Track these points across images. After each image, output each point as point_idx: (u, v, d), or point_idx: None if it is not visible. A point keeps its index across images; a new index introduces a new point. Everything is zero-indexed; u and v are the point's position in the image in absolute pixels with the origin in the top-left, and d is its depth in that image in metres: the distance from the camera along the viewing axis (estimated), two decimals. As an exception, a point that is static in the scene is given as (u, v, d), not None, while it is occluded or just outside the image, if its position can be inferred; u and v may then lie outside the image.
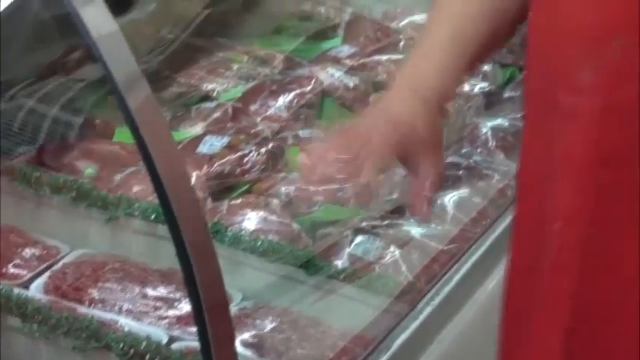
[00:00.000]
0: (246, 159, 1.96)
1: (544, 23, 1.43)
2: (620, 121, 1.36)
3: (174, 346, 1.54)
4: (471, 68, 1.54)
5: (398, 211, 1.92)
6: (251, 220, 1.80)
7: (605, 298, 1.46)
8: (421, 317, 1.74)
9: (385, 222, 1.88)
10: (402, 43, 2.45)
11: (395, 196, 1.95)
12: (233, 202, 1.86)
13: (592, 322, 1.47)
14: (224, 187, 1.90)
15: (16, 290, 1.60)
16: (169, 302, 1.58)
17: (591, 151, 1.38)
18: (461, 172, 2.08)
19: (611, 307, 1.47)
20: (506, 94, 2.43)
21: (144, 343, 1.53)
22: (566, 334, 1.46)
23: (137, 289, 1.61)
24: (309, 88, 2.21)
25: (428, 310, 1.75)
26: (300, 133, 2.10)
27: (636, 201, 1.37)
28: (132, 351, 1.53)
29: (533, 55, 1.47)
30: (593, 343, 1.47)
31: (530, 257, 1.52)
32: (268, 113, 2.14)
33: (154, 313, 1.59)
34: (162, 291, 1.60)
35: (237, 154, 1.96)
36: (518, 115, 2.30)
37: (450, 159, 2.08)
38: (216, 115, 2.10)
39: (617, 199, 1.39)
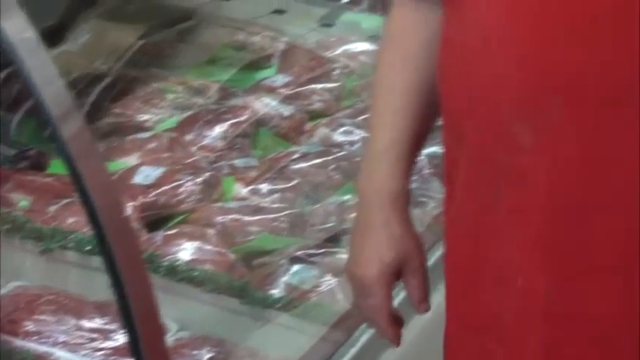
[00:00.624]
0: (181, 189, 1.96)
1: (470, 79, 1.41)
2: (568, 176, 1.39)
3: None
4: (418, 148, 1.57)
5: (333, 240, 1.93)
6: (187, 250, 1.80)
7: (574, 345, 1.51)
8: (358, 345, 1.75)
9: (321, 250, 1.89)
10: (336, 72, 2.47)
11: (330, 224, 1.97)
12: (168, 232, 1.86)
13: None
14: (159, 217, 1.90)
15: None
16: (105, 334, 1.57)
17: (544, 206, 1.40)
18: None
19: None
20: (440, 122, 2.45)
21: (80, 376, 1.54)
22: None
23: (73, 321, 1.60)
24: (244, 117, 2.23)
25: (365, 337, 1.76)
26: (236, 162, 2.11)
27: (596, 248, 1.38)
28: (68, 383, 1.53)
29: (459, 116, 1.48)
30: None
31: (475, 315, 1.54)
32: (203, 143, 2.15)
33: (90, 344, 1.58)
34: (98, 323, 1.59)
35: (172, 184, 1.96)
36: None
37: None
38: (152, 145, 2.10)
39: (575, 248, 1.41)
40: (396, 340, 1.56)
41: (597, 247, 1.40)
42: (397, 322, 1.53)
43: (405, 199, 1.52)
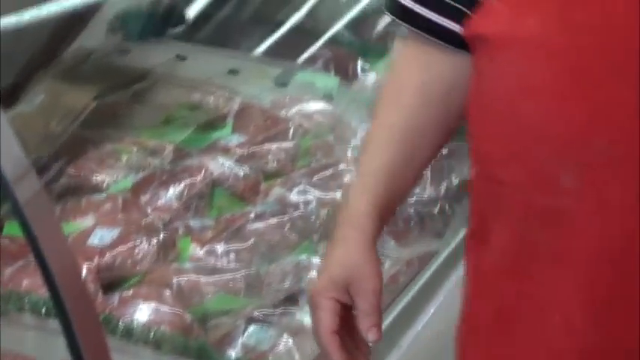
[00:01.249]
0: (137, 250, 1.96)
1: (510, 126, 1.44)
2: (613, 221, 1.40)
3: None
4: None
5: (290, 299, 1.94)
6: (143, 312, 1.79)
7: None
8: None
9: (278, 310, 1.89)
10: (291, 131, 2.48)
11: (287, 284, 1.98)
12: (125, 293, 1.85)
13: None
14: (116, 278, 1.89)
15: None
16: None
17: (588, 250, 1.41)
18: (352, 259, 2.11)
19: None
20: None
21: None
22: None
23: None
24: (199, 177, 2.23)
25: None
26: (191, 222, 2.12)
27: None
28: None
29: (498, 162, 1.50)
30: None
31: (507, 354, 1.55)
32: (159, 204, 2.15)
33: None
34: None
35: (128, 246, 1.96)
36: (409, 201, 2.36)
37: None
38: (106, 206, 2.09)
39: (620, 295, 1.42)
40: None
41: None
42: (351, 348, 1.47)
43: (372, 224, 1.51)
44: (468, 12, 1.53)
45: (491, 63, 1.49)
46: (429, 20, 1.60)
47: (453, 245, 2.30)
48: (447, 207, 2.42)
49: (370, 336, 1.42)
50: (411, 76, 1.65)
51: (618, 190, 1.39)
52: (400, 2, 1.61)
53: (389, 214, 1.57)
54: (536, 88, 1.42)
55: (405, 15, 1.62)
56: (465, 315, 1.64)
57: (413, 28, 1.61)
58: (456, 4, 1.56)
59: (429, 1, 1.59)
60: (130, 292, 1.86)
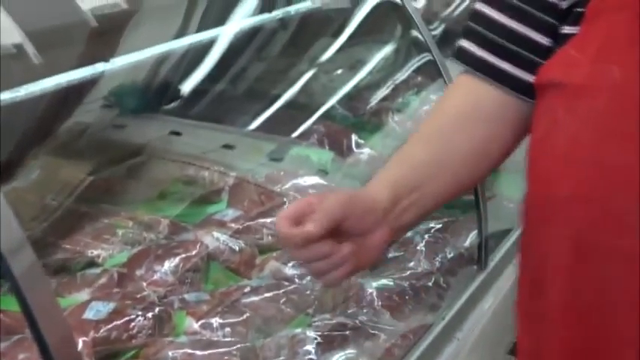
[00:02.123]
0: (132, 324, 1.95)
1: (583, 166, 1.48)
2: None
3: None
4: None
5: None
6: None
7: None
8: None
9: None
10: (286, 206, 2.47)
11: (282, 358, 1.98)
12: None
13: None
14: (111, 352, 1.89)
15: None
16: None
17: None
18: (348, 332, 2.11)
19: None
20: (390, 254, 2.50)
21: None
22: None
23: None
24: (194, 252, 2.23)
25: None
26: (187, 296, 2.12)
27: None
28: None
29: (564, 205, 1.52)
30: None
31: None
32: (154, 278, 2.15)
33: None
34: None
35: (123, 320, 1.95)
36: (404, 275, 2.38)
37: (336, 319, 2.13)
38: (102, 280, 2.10)
39: None
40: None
41: None
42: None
43: (378, 190, 1.55)
44: (532, 58, 1.60)
45: (571, 111, 1.51)
46: (491, 64, 1.66)
47: (447, 318, 2.31)
48: (441, 280, 2.43)
49: (307, 227, 1.41)
50: (459, 97, 1.72)
51: None
52: (468, 49, 1.69)
53: (406, 201, 1.58)
54: (623, 135, 1.45)
55: (465, 58, 1.71)
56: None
57: (471, 70, 1.68)
58: (520, 50, 1.63)
59: (492, 44, 1.66)
60: (127, 363, 1.85)
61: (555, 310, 1.59)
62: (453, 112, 1.69)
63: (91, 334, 1.90)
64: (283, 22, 2.89)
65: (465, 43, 1.69)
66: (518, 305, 1.67)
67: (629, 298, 1.48)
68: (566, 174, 1.52)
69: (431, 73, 2.90)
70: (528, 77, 1.62)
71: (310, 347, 2.02)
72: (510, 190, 1.58)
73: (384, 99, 3.18)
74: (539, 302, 1.62)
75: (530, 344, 1.67)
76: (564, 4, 1.58)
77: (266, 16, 2.74)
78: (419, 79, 3.18)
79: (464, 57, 1.70)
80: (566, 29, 1.58)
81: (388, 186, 1.57)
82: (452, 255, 2.54)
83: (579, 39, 1.53)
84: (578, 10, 1.55)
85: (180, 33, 2.69)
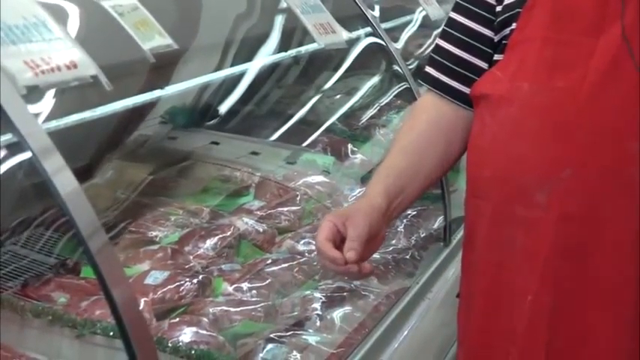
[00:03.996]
0: (182, 288, 1.94)
1: (501, 157, 1.52)
2: (571, 226, 1.44)
3: None
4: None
5: (298, 325, 1.93)
6: (186, 334, 1.77)
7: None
8: None
9: (289, 333, 1.88)
10: (298, 198, 2.49)
11: (295, 313, 1.97)
12: (172, 320, 1.83)
13: None
14: (166, 309, 1.88)
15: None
16: None
17: (550, 247, 1.46)
18: (345, 294, 2.10)
19: None
20: None
21: None
22: None
23: None
24: (229, 233, 2.22)
25: None
26: (223, 267, 2.10)
27: (589, 280, 1.46)
28: None
29: (487, 184, 1.55)
30: None
31: (496, 328, 1.59)
32: (198, 252, 2.14)
33: None
34: None
35: (175, 284, 1.94)
36: (387, 250, 2.37)
37: (336, 284, 2.12)
38: (159, 255, 2.08)
39: (575, 283, 1.47)
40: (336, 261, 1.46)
41: (591, 279, 1.47)
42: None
43: (379, 199, 1.55)
44: (475, 78, 1.60)
45: (493, 116, 1.54)
46: (445, 83, 1.67)
47: (420, 283, 2.30)
48: (416, 254, 2.43)
49: (348, 255, 1.42)
50: (425, 113, 1.71)
51: (575, 204, 1.43)
52: (430, 73, 1.70)
53: (396, 203, 1.58)
54: (527, 134, 1.48)
55: (427, 80, 1.71)
56: (462, 295, 1.69)
57: (434, 89, 1.69)
58: (466, 73, 1.63)
59: (449, 69, 1.66)
60: (177, 319, 1.84)
61: (480, 262, 1.61)
62: (423, 127, 1.69)
63: (150, 295, 1.89)
64: (296, 59, 2.88)
65: (428, 69, 1.71)
66: (462, 261, 1.69)
67: (527, 255, 1.51)
68: (489, 162, 1.54)
69: (408, 97, 2.88)
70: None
71: (317, 305, 2.01)
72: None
73: (372, 117, 3.18)
74: (472, 255, 1.66)
75: (466, 288, 1.70)
76: (496, 38, 1.60)
77: (283, 54, 2.73)
78: (398, 102, 3.17)
79: (427, 79, 1.72)
80: (497, 56, 1.60)
81: (382, 194, 1.56)
82: (424, 235, 2.53)
83: (502, 63, 1.57)
84: (505, 42, 1.55)
85: (218, 67, 2.69)
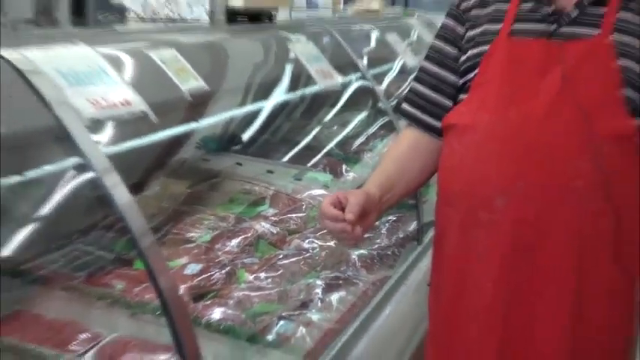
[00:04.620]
0: (212, 276, 1.94)
1: (466, 173, 1.51)
2: (523, 227, 1.44)
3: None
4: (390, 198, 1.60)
5: (304, 306, 1.92)
6: (216, 313, 1.77)
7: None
8: None
9: (296, 312, 1.88)
10: (304, 207, 2.47)
11: (301, 297, 1.95)
12: (205, 303, 1.83)
13: None
14: (200, 293, 1.87)
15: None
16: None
17: (507, 244, 1.46)
18: (340, 282, 2.10)
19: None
20: (366, 235, 2.43)
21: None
22: None
23: (149, 356, 1.57)
24: (249, 234, 2.22)
25: None
26: (245, 260, 2.09)
27: (537, 270, 1.46)
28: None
29: (456, 195, 1.54)
30: None
31: (459, 313, 1.57)
32: (226, 249, 2.13)
33: None
34: (163, 356, 1.55)
35: (207, 274, 1.94)
36: (373, 247, 2.36)
37: (333, 274, 2.11)
38: (195, 251, 2.08)
39: (526, 272, 1.46)
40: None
41: (538, 269, 1.46)
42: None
43: (372, 191, 1.53)
44: (443, 114, 1.60)
45: (460, 142, 1.53)
46: (420, 118, 1.66)
47: (399, 273, 2.30)
48: (395, 250, 2.42)
49: (348, 216, 1.41)
50: (406, 140, 1.70)
51: (526, 209, 1.43)
52: (406, 109, 1.69)
53: (385, 198, 1.56)
54: (489, 156, 1.47)
55: (404, 114, 1.70)
56: (433, 283, 1.67)
57: (411, 121, 1.69)
58: (435, 110, 1.63)
59: (422, 106, 1.66)
60: (209, 302, 1.84)
61: (449, 257, 1.61)
62: (405, 149, 1.70)
63: (188, 283, 1.89)
64: (302, 98, 2.88)
65: (404, 105, 1.73)
66: (432, 257, 1.68)
67: (489, 250, 1.50)
68: (458, 178, 1.53)
69: (389, 128, 2.90)
70: (440, 124, 1.62)
71: (318, 290, 2.00)
72: (435, 196, 1.59)
73: (361, 144, 3.18)
74: (442, 252, 1.65)
75: (436, 278, 1.69)
76: (460, 82, 1.60)
77: (292, 94, 2.73)
78: (382, 132, 3.18)
79: (404, 114, 1.72)
80: (462, 96, 1.60)
81: (377, 187, 1.56)
82: (402, 235, 2.52)
83: (467, 99, 1.58)
84: (468, 84, 1.55)
85: (241, 104, 2.69)
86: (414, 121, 1.67)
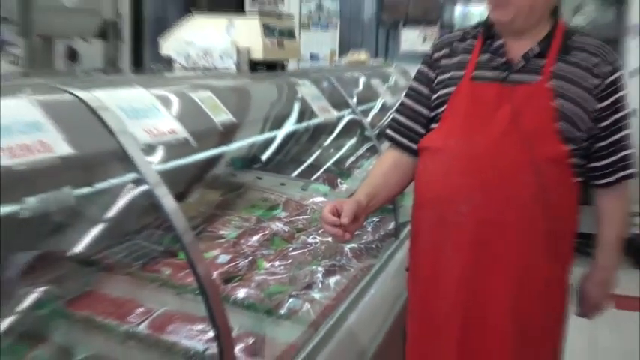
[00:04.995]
0: (238, 265, 1.94)
1: (438, 185, 1.50)
2: (483, 227, 1.44)
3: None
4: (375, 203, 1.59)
5: (308, 287, 1.91)
6: (241, 293, 1.77)
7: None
8: (321, 333, 1.71)
9: (302, 292, 1.87)
10: (308, 211, 2.47)
11: (306, 280, 1.94)
12: (232, 285, 1.83)
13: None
14: (228, 277, 1.87)
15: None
16: (204, 332, 1.52)
17: (469, 241, 1.46)
18: (336, 268, 2.09)
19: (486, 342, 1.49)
20: (355, 232, 2.44)
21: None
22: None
23: (189, 326, 1.56)
24: (267, 232, 2.21)
25: (322, 331, 1.73)
26: (263, 252, 2.08)
27: (492, 260, 1.45)
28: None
29: (429, 202, 1.53)
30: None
31: (433, 303, 1.55)
32: (249, 243, 2.12)
33: (198, 335, 1.53)
34: (200, 325, 1.54)
35: (234, 262, 1.94)
36: (361, 242, 2.33)
37: (331, 262, 2.11)
38: (225, 245, 2.07)
39: (484, 261, 1.46)
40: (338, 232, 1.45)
41: (493, 257, 1.46)
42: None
43: (362, 200, 1.51)
44: (418, 139, 1.60)
45: (432, 161, 1.53)
46: (400, 142, 1.66)
47: (381, 261, 2.29)
48: (379, 244, 2.41)
49: (343, 220, 1.41)
50: (388, 159, 1.68)
51: (485, 213, 1.43)
52: (389, 134, 1.68)
53: (371, 204, 1.55)
54: (455, 172, 1.46)
55: (387, 137, 1.70)
56: (410, 270, 1.65)
57: (392, 144, 1.68)
58: (412, 135, 1.62)
59: (401, 132, 1.65)
60: (235, 284, 1.84)
61: (423, 251, 1.60)
62: (387, 166, 1.68)
63: (219, 269, 1.88)
64: (307, 128, 2.88)
65: (388, 130, 1.72)
66: (409, 250, 1.67)
67: (456, 246, 1.49)
68: (430, 188, 1.53)
69: (373, 151, 2.89)
70: (416, 147, 1.61)
71: (319, 275, 1.99)
72: (409, 202, 1.58)
73: (352, 163, 3.17)
74: (417, 247, 1.63)
75: (413, 267, 1.69)
76: (432, 114, 1.60)
77: (299, 125, 2.73)
78: (368, 154, 3.17)
79: (388, 138, 1.71)
80: (432, 125, 1.60)
81: (364, 196, 1.55)
82: (383, 232, 2.51)
83: (437, 128, 1.58)
84: (438, 116, 1.56)
85: (260, 133, 2.68)
86: (395, 143, 1.67)
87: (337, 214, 1.43)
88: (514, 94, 1.42)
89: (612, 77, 1.40)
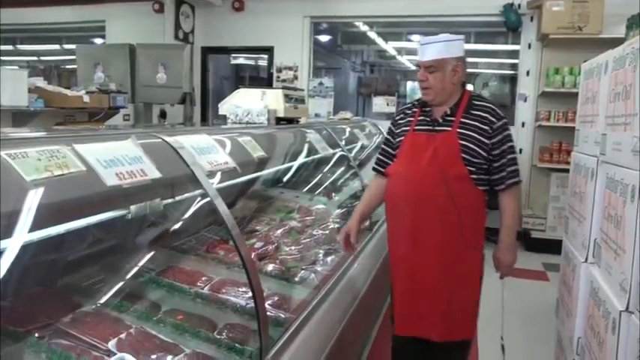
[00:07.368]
0: (268, 248, 1.90)
1: (395, 193, 1.50)
2: (416, 217, 1.45)
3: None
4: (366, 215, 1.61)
5: (313, 263, 1.87)
6: (269, 267, 1.74)
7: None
8: (322, 293, 1.66)
9: (310, 266, 1.83)
10: (314, 214, 2.43)
11: (313, 258, 1.90)
12: (264, 262, 1.79)
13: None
14: (261, 257, 1.84)
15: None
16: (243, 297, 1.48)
17: (412, 219, 1.45)
18: (332, 251, 2.04)
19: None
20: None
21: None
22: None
23: (236, 289, 1.52)
24: (287, 227, 2.17)
25: (322, 292, 1.68)
26: (284, 240, 2.04)
27: (424, 236, 1.46)
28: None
29: (392, 200, 1.52)
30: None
31: (409, 279, 1.53)
32: (275, 235, 2.08)
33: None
34: (242, 289, 1.50)
35: (265, 247, 1.91)
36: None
37: (328, 247, 2.06)
38: (259, 236, 2.04)
39: (420, 242, 1.46)
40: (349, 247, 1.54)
41: (423, 232, 1.46)
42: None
43: (359, 216, 1.58)
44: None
45: (391, 180, 1.54)
46: (380, 171, 1.65)
47: (361, 245, 2.24)
48: (360, 235, 2.33)
49: (355, 246, 1.55)
50: (374, 183, 1.67)
51: (417, 209, 1.44)
52: (374, 167, 1.67)
53: (364, 217, 1.61)
54: (401, 185, 1.47)
55: (374, 170, 1.67)
56: (389, 240, 1.60)
57: (378, 173, 1.66)
58: (387, 166, 1.60)
59: (381, 165, 1.64)
60: (266, 261, 1.80)
61: (391, 230, 1.57)
62: (374, 188, 1.68)
63: (256, 252, 1.85)
64: (312, 160, 2.86)
65: (374, 166, 1.72)
66: (388, 239, 1.61)
67: (405, 227, 1.51)
68: (391, 193, 1.53)
69: (355, 178, 2.87)
70: None
71: (320, 255, 1.97)
72: (379, 209, 1.58)
73: (341, 183, 3.14)
74: (388, 221, 1.60)
75: (392, 254, 1.63)
76: (395, 153, 1.60)
77: (307, 158, 2.72)
78: (352, 177, 3.13)
79: (374, 169, 1.71)
80: (394, 160, 1.59)
81: (360, 215, 1.60)
82: (362, 227, 2.43)
83: (395, 162, 1.59)
84: (396, 153, 1.56)
85: (282, 163, 2.66)
86: (379, 173, 1.68)
87: (348, 237, 1.58)
88: (436, 138, 1.51)
89: (499, 124, 1.47)
